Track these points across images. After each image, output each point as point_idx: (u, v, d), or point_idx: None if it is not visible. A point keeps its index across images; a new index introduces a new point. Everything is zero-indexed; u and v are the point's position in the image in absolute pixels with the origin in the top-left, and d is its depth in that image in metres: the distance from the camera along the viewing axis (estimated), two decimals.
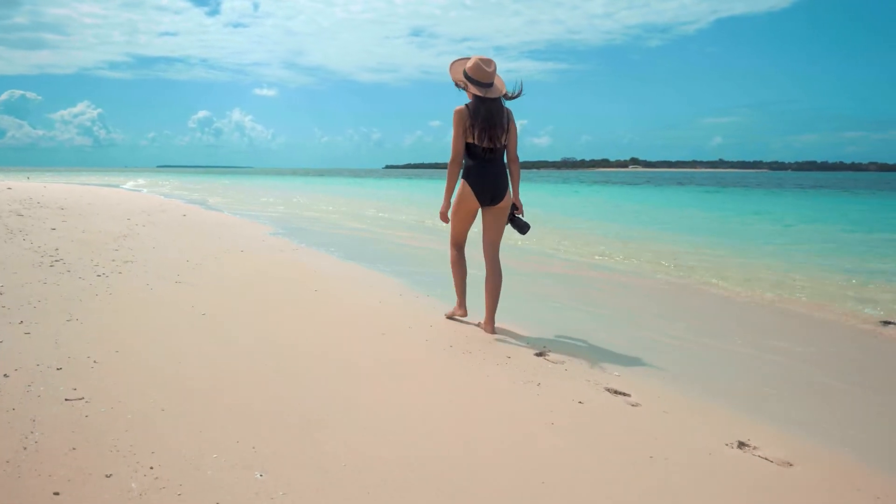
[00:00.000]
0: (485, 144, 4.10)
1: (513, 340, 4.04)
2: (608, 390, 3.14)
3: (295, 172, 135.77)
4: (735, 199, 28.25)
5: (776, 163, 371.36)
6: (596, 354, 3.80)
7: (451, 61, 4.29)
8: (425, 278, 6.30)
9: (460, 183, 4.22)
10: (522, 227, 4.31)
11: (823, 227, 14.07)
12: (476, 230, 4.40)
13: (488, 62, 4.09)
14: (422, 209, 17.14)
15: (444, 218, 4.36)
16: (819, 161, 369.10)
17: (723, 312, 5.32)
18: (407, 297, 5.43)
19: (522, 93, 4.20)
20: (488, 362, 3.54)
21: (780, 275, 7.03)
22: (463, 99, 4.18)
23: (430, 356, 3.66)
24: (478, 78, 4.09)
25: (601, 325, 4.63)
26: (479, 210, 4.27)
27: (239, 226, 11.50)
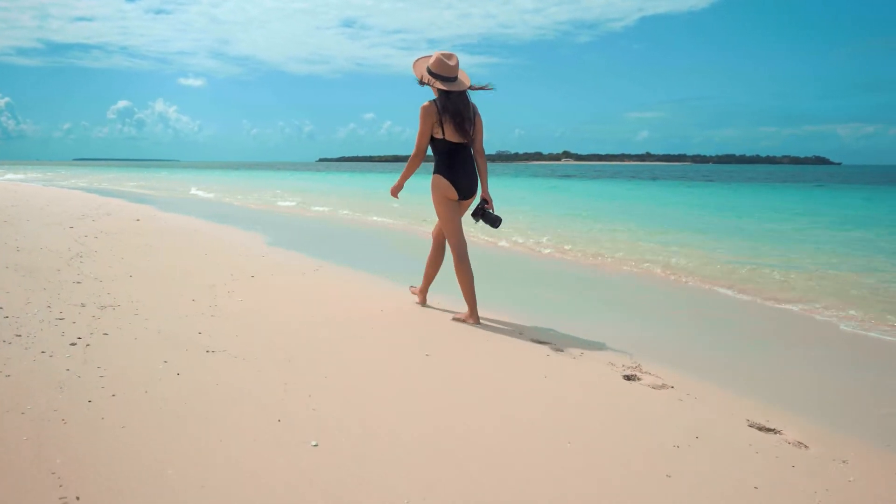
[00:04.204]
0: (455, 139, 4.14)
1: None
2: None
3: (230, 166, 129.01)
4: (728, 194, 27.41)
5: (699, 156, 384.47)
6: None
7: (415, 59, 4.31)
8: (549, 307, 4.43)
9: (434, 178, 4.25)
10: (494, 221, 4.28)
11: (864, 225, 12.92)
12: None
13: (450, 56, 4.12)
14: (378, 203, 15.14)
15: (393, 192, 4.51)
16: (738, 154, 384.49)
17: None
18: (569, 353, 3.57)
19: (491, 88, 4.26)
20: None
21: None
22: (428, 95, 4.23)
23: None
24: (441, 73, 4.11)
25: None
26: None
27: (216, 233, 9.22)
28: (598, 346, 3.96)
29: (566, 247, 8.53)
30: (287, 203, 17.06)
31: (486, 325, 4.33)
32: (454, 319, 4.33)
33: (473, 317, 4.26)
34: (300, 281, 5.66)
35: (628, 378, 3.42)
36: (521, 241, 9.10)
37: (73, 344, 3.22)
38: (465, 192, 4.26)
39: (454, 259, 4.33)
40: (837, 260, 7.83)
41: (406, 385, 2.95)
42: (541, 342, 3.98)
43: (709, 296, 5.75)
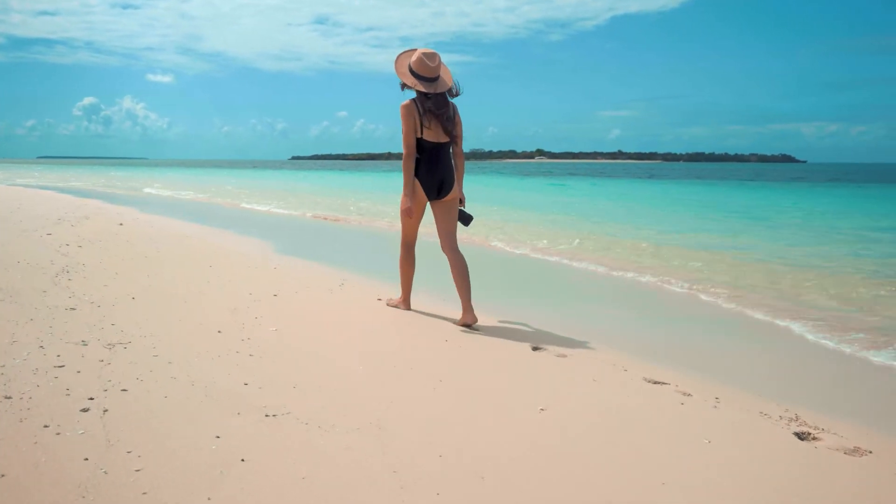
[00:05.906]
0: (434, 139, 4.12)
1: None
2: None
3: (203, 164, 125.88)
4: (730, 193, 27.15)
5: (670, 154, 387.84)
6: None
7: (398, 54, 4.23)
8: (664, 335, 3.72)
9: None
10: (465, 219, 4.38)
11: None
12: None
13: (432, 56, 4.07)
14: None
15: (405, 212, 4.31)
16: (707, 152, 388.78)
17: None
18: (703, 399, 2.83)
19: (460, 92, 4.20)
20: None
21: None
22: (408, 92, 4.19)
23: None
24: (422, 73, 4.06)
25: None
26: (428, 205, 4.33)
27: (210, 239, 8.33)
28: (729, 386, 3.25)
29: (601, 257, 7.84)
30: (273, 205, 16.12)
31: (574, 353, 3.59)
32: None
33: (405, 303, 4.54)
34: (330, 300, 4.86)
35: (801, 437, 2.70)
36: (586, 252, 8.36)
37: (84, 410, 2.38)
38: (437, 190, 4.23)
39: (401, 251, 4.48)
40: None
41: (555, 469, 2.18)
42: (657, 382, 3.25)
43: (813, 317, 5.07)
